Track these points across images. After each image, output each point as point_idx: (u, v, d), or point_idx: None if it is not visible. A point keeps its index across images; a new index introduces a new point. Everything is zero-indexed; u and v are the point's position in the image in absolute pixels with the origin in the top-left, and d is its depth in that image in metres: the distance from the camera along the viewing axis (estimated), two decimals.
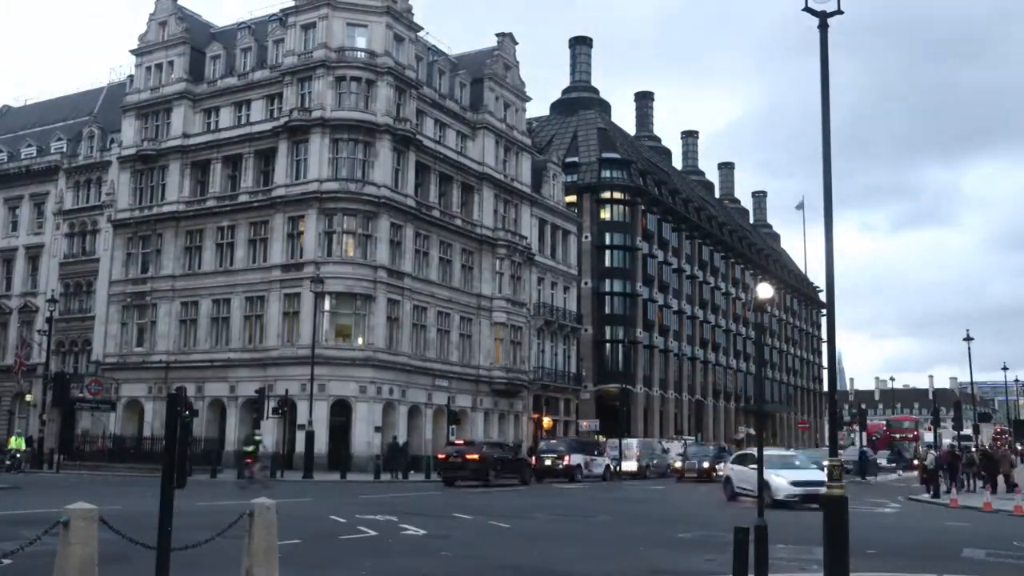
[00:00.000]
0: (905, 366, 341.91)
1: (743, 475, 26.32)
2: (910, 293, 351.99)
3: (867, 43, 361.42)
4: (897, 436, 79.71)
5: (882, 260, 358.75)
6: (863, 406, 76.88)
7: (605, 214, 71.62)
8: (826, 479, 10.65)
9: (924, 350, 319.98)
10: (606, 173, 72.52)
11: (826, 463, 11.09)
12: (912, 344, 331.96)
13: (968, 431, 59.84)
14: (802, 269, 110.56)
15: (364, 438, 40.96)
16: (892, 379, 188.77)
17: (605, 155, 73.34)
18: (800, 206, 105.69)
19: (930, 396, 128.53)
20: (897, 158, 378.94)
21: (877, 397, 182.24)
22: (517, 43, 57.18)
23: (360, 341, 42.67)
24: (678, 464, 44.98)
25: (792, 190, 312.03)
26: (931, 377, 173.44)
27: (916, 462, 46.36)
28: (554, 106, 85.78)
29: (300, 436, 39.03)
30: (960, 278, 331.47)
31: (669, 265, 76.51)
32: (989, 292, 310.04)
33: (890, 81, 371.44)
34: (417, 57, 47.69)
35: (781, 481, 24.33)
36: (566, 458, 38.75)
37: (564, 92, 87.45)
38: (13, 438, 42.28)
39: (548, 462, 38.65)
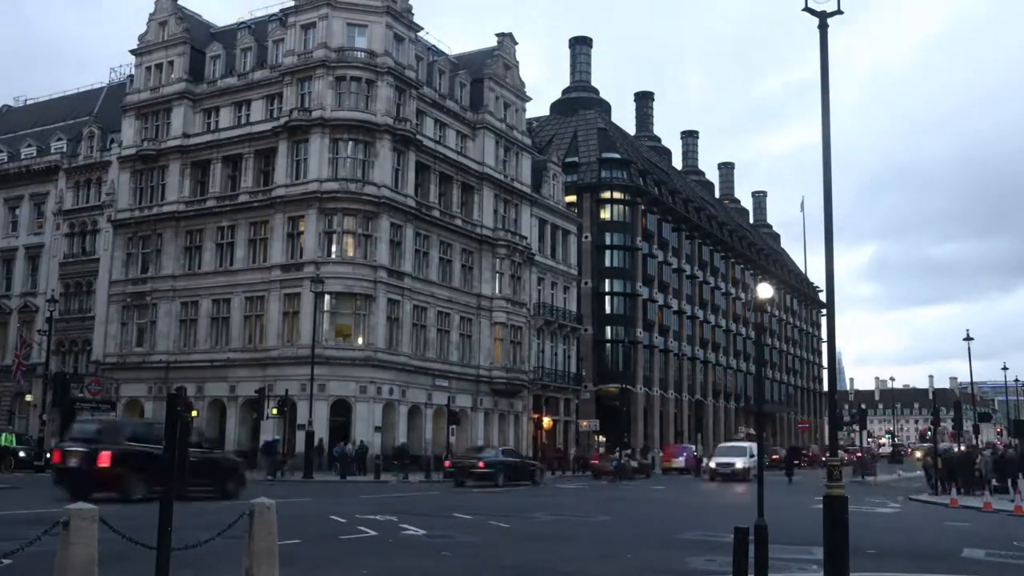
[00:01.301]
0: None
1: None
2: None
3: None
4: None
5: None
6: (863, 406, 76.89)
7: (605, 214, 71.60)
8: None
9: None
10: (606, 173, 72.49)
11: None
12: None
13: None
14: (802, 268, 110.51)
15: (364, 438, 40.90)
16: (892, 379, 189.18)
17: (605, 155, 73.32)
18: (802, 207, 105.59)
19: (930, 396, 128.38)
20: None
21: (877, 397, 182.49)
22: (517, 43, 57.18)
23: (360, 341, 42.66)
24: None
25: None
26: (931, 377, 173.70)
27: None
28: (554, 106, 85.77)
29: (300, 436, 39.03)
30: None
31: (669, 265, 76.48)
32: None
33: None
34: (417, 57, 47.68)
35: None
36: None
37: (564, 92, 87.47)
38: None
39: None
